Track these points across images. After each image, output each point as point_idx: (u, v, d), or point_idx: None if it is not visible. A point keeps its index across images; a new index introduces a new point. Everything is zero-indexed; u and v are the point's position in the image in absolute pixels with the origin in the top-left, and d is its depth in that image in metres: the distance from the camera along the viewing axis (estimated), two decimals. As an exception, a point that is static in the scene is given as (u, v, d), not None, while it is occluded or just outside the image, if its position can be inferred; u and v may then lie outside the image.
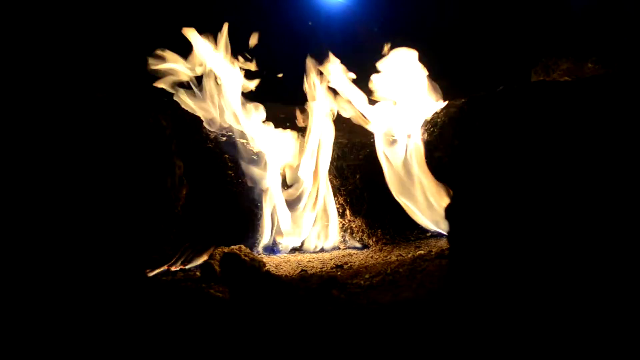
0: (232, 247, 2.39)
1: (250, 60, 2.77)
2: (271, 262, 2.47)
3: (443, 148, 2.46)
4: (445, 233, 2.48)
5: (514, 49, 3.14)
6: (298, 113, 2.78)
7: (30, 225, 1.91)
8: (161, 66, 2.60)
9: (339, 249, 2.67)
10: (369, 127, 2.65)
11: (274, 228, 2.67)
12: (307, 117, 2.73)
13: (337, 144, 2.74)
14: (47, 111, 2.12)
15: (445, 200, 2.43)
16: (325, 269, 2.32)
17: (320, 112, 2.70)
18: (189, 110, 2.61)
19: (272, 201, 2.67)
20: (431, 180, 2.49)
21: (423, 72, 2.61)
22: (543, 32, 3.06)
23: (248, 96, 2.74)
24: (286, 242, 2.65)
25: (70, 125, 2.12)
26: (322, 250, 2.67)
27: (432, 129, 2.57)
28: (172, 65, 2.63)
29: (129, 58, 2.98)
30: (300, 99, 2.76)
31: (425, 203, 2.50)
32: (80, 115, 2.16)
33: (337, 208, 2.71)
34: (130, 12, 3.09)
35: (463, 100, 2.49)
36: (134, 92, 2.48)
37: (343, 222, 2.70)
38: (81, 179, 2.05)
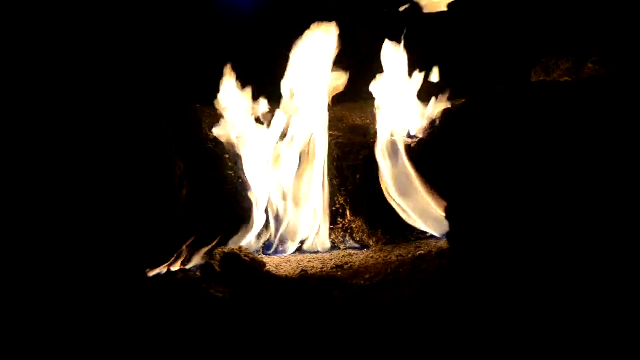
0: (232, 247, 2.39)
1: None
2: (271, 262, 2.47)
3: (442, 148, 2.46)
4: (438, 235, 2.50)
5: (514, 49, 3.14)
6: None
7: (31, 225, 1.92)
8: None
9: (339, 248, 2.67)
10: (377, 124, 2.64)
11: (274, 228, 2.67)
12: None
13: (337, 144, 2.74)
14: (47, 112, 2.12)
15: (440, 203, 2.45)
16: (325, 269, 2.32)
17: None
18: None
19: (273, 201, 2.67)
20: (424, 182, 2.51)
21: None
22: (543, 32, 3.05)
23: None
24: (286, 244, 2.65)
25: (70, 125, 2.12)
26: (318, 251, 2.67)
27: (431, 129, 2.57)
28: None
29: (128, 58, 2.98)
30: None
31: (422, 205, 2.51)
32: (80, 116, 2.16)
33: (337, 208, 2.70)
34: (130, 12, 3.09)
35: (463, 100, 2.50)
36: (134, 93, 2.47)
37: (343, 222, 2.69)
38: (81, 179, 2.05)
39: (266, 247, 2.67)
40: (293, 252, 2.66)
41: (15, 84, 2.22)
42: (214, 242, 2.43)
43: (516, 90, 1.89)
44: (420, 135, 2.58)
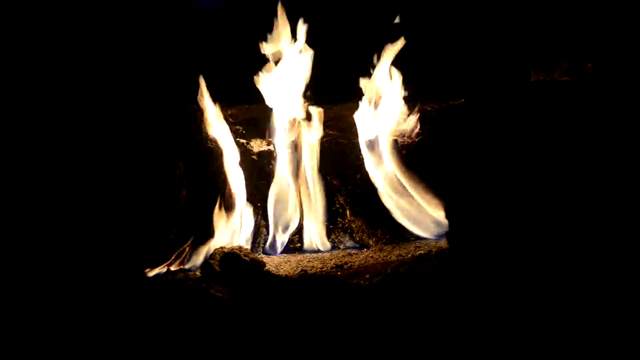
0: (232, 247, 2.39)
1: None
2: (271, 262, 2.47)
3: (442, 148, 2.46)
4: (429, 237, 2.53)
5: (514, 49, 3.14)
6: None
7: (32, 225, 1.92)
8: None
9: (339, 248, 2.67)
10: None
11: (275, 228, 2.67)
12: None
13: (337, 144, 2.74)
14: (47, 113, 2.12)
15: (437, 205, 2.47)
16: (325, 269, 2.32)
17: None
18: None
19: (273, 201, 2.68)
20: (421, 184, 2.52)
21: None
22: (543, 32, 3.06)
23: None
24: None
25: (70, 126, 2.12)
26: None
27: (431, 129, 2.57)
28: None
29: (128, 59, 2.98)
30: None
31: (417, 208, 2.53)
32: (81, 117, 2.16)
33: (337, 208, 2.70)
34: (130, 13, 3.09)
35: (462, 100, 2.50)
36: (134, 93, 2.47)
37: (343, 222, 2.70)
38: (82, 179, 2.05)
39: (264, 246, 2.68)
40: (293, 252, 2.66)
41: (15, 85, 2.22)
42: (210, 241, 2.43)
43: (516, 90, 1.89)
44: (412, 135, 2.59)
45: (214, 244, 2.43)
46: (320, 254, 2.61)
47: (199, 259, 2.38)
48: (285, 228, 2.66)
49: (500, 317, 1.41)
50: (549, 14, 3.06)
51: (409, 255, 2.31)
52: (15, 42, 2.53)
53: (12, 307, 1.62)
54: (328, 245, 2.66)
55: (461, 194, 1.78)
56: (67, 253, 1.91)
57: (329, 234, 2.69)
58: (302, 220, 2.68)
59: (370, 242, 2.63)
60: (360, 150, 2.67)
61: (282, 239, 2.66)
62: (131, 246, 2.11)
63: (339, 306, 1.62)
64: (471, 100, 2.13)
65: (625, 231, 1.46)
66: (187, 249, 2.39)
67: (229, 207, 2.55)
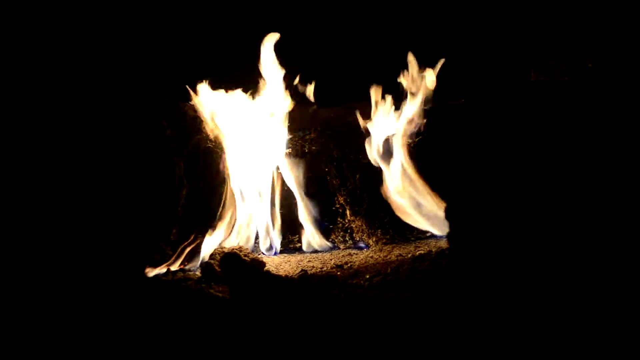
0: (232, 247, 2.39)
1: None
2: (271, 262, 2.47)
3: (442, 148, 2.46)
4: (437, 234, 2.52)
5: (514, 49, 3.14)
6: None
7: (31, 224, 1.91)
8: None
9: (339, 248, 2.67)
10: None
11: (274, 228, 2.67)
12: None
13: (337, 144, 2.74)
14: (47, 112, 2.12)
15: (440, 202, 2.46)
16: (325, 269, 2.32)
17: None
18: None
19: (273, 202, 2.67)
20: (423, 182, 2.53)
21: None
22: (543, 32, 3.06)
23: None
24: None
25: (70, 126, 2.12)
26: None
27: (430, 129, 2.58)
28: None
29: (128, 59, 2.98)
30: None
31: (422, 205, 2.53)
32: (80, 117, 2.16)
33: (337, 208, 2.70)
34: (130, 12, 3.09)
35: (463, 100, 2.50)
36: (134, 93, 2.47)
37: (343, 222, 2.70)
38: (81, 179, 2.05)
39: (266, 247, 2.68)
40: (293, 252, 2.66)
41: (14, 85, 2.22)
42: (210, 241, 2.43)
43: (516, 90, 1.89)
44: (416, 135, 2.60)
45: (213, 244, 2.43)
46: (320, 254, 2.61)
47: (198, 259, 2.38)
48: (284, 228, 2.67)
49: (500, 317, 1.41)
50: (549, 14, 3.06)
51: (409, 255, 2.31)
52: (15, 43, 2.53)
53: (12, 308, 1.62)
54: (327, 245, 2.66)
55: (461, 194, 1.78)
56: (67, 253, 1.91)
57: (329, 234, 2.69)
58: (301, 220, 2.68)
59: (370, 242, 2.63)
60: (363, 149, 2.67)
61: (280, 239, 2.66)
62: (131, 246, 2.11)
63: (339, 306, 1.62)
64: (471, 100, 2.14)
65: (626, 231, 1.46)
66: (187, 249, 2.39)
67: (229, 207, 2.56)
